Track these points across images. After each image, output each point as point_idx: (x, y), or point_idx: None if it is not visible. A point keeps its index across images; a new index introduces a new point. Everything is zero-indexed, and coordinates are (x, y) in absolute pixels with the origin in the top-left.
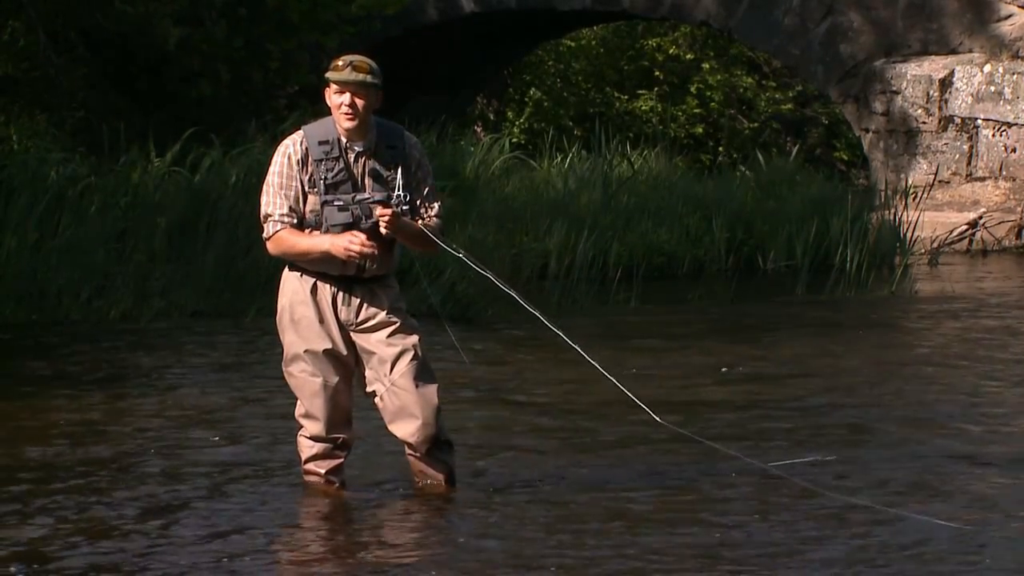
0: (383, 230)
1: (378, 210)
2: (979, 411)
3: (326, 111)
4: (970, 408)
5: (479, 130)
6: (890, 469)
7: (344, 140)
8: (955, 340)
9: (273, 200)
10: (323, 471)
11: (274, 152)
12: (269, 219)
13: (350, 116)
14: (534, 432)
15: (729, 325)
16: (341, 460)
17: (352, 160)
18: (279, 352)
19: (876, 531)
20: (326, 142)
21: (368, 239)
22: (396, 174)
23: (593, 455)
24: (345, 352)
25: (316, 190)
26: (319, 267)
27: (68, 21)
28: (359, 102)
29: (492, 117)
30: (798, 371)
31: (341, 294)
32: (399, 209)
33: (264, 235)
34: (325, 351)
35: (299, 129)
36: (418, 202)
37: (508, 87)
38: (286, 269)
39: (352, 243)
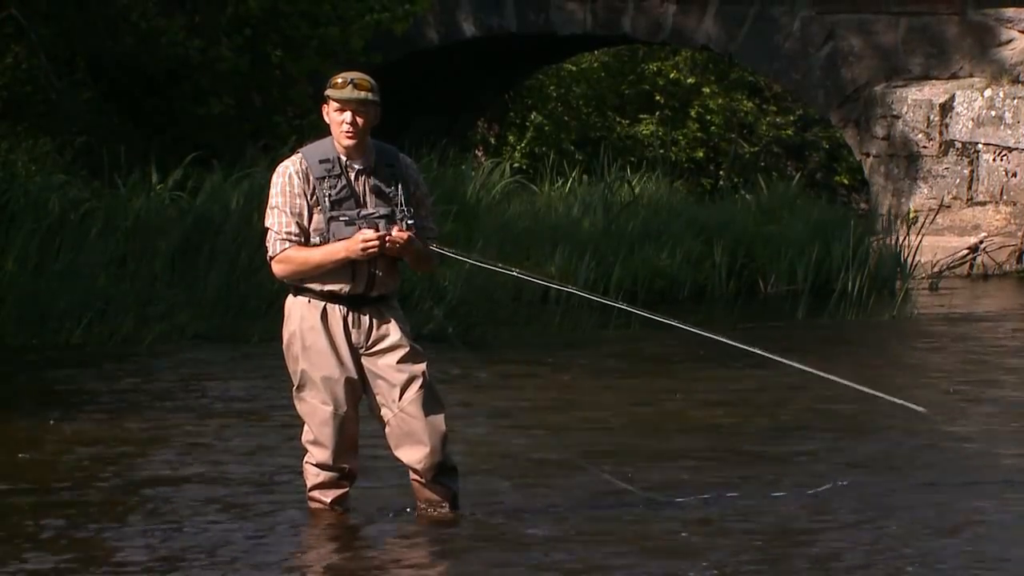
0: (395, 251)
1: (395, 231)
2: (982, 434)
3: (326, 133)
4: (975, 433)
5: (480, 154)
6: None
7: (344, 158)
8: (956, 363)
9: (278, 219)
10: (328, 500)
11: (272, 175)
12: (275, 239)
13: (351, 134)
14: (538, 455)
15: (729, 350)
16: (346, 490)
17: (353, 178)
18: (283, 377)
19: None
20: (326, 160)
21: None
22: (397, 190)
23: (598, 478)
24: (356, 377)
25: (320, 208)
26: (329, 286)
27: (72, 44)
28: (360, 120)
29: (493, 141)
30: (798, 395)
31: (352, 316)
32: (406, 224)
33: (269, 255)
34: (338, 378)
35: (296, 152)
36: (419, 220)
37: (509, 111)
38: (291, 296)
39: (366, 239)
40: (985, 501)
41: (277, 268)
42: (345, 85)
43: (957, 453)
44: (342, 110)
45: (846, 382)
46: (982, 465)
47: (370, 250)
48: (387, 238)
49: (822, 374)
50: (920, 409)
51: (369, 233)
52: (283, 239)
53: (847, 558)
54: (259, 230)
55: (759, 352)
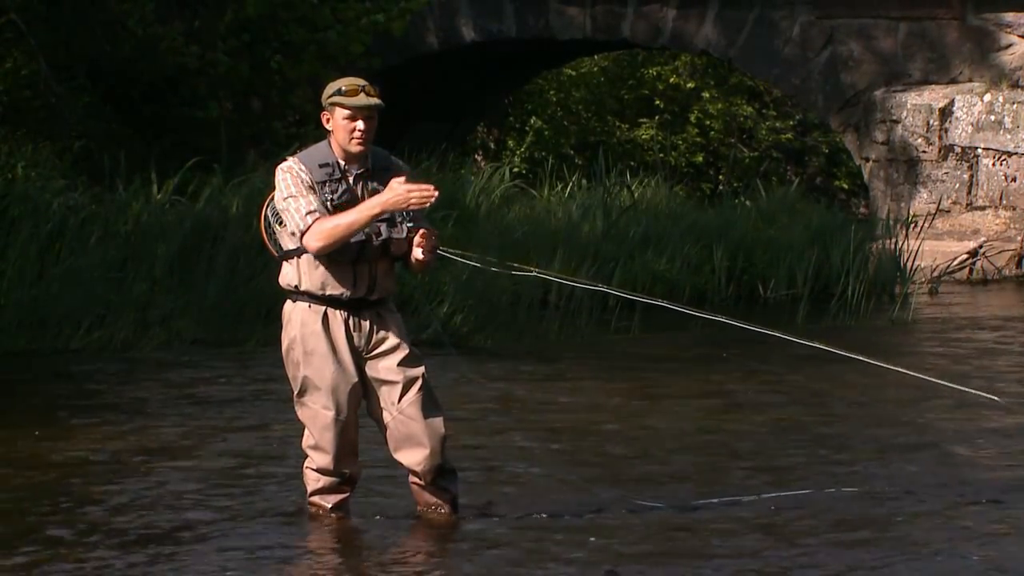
0: (422, 254)
1: (419, 233)
2: (982, 440)
3: (324, 138)
4: (975, 437)
5: (480, 159)
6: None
7: (343, 163)
8: (957, 367)
9: (298, 203)
10: (329, 505)
11: (275, 177)
12: (300, 216)
13: (361, 141)
14: (537, 460)
15: (730, 353)
16: (347, 495)
17: (352, 182)
18: (280, 382)
19: None
20: (326, 164)
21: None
22: None
23: (598, 481)
24: (357, 380)
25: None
26: (330, 290)
27: (71, 49)
28: (370, 127)
29: (493, 146)
30: (801, 400)
31: (352, 320)
32: (405, 226)
33: (300, 228)
34: (340, 383)
35: (292, 156)
36: (417, 222)
37: (509, 116)
38: (289, 301)
39: (413, 189)
40: None
41: (312, 241)
42: (357, 92)
43: None
44: (354, 118)
45: (920, 375)
46: None
47: (426, 198)
48: (420, 235)
49: (895, 368)
50: (996, 399)
51: (408, 184)
52: (311, 213)
53: None
54: (256, 233)
55: (822, 347)
